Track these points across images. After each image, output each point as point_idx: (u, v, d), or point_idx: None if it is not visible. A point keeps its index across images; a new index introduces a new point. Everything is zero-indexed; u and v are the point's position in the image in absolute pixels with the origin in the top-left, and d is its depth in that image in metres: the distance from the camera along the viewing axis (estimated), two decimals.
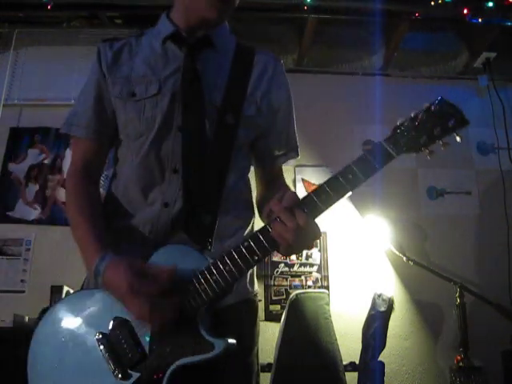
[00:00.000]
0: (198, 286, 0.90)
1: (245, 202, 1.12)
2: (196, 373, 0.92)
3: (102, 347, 0.93)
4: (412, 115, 0.88)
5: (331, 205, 0.85)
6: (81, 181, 1.08)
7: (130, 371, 0.91)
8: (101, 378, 0.91)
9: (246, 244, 0.87)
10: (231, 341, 0.90)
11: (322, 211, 0.85)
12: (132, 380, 0.91)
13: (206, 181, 1.01)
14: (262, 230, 0.87)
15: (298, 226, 0.83)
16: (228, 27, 1.17)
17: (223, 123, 1.03)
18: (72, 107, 1.15)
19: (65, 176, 2.53)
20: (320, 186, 0.86)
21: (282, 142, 1.16)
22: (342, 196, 0.85)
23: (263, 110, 1.10)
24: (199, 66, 1.06)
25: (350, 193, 0.85)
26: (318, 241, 2.65)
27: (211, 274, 0.89)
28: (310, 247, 0.88)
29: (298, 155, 1.18)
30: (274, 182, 1.17)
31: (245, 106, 1.06)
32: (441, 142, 0.87)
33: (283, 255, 1.03)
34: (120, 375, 0.91)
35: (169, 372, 0.90)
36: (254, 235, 0.87)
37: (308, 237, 0.86)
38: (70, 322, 0.98)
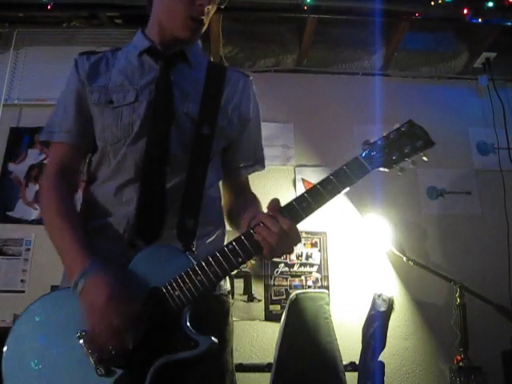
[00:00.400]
0: (182, 286, 0.93)
1: (218, 207, 1.19)
2: (175, 370, 0.94)
3: (83, 345, 0.93)
4: (384, 134, 0.98)
5: (311, 212, 0.93)
6: (58, 182, 1.09)
7: (112, 368, 0.91)
8: (83, 374, 0.91)
9: (230, 247, 0.94)
10: (214, 339, 0.94)
11: (302, 218, 0.93)
12: (115, 377, 0.91)
13: (184, 187, 1.07)
14: (246, 234, 0.93)
15: (281, 231, 0.89)
16: (200, 45, 1.25)
17: (200, 134, 1.09)
18: (49, 117, 1.17)
19: None
20: (301, 195, 0.94)
21: (249, 153, 1.23)
22: (321, 205, 0.93)
23: (234, 121, 1.17)
24: (174, 77, 1.13)
25: (328, 201, 0.93)
26: (318, 241, 2.66)
27: (196, 274, 0.93)
28: (291, 252, 0.94)
29: (263, 167, 1.27)
30: (242, 192, 1.24)
31: (219, 118, 1.13)
32: (410, 161, 0.97)
33: (267, 259, 1.07)
34: (102, 372, 0.91)
35: (153, 368, 0.91)
36: (238, 239, 0.94)
37: (290, 241, 0.92)
38: (50, 320, 0.97)
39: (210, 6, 1.10)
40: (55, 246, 1.02)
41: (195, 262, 0.95)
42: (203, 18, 1.10)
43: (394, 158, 0.96)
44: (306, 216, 0.93)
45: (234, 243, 0.94)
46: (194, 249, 1.03)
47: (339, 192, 0.94)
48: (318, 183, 0.94)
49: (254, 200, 1.20)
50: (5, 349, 0.96)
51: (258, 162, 1.25)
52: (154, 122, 1.08)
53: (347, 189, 0.95)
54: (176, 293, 0.93)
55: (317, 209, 0.93)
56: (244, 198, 1.21)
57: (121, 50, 1.20)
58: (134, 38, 1.21)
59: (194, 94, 1.13)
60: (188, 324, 0.94)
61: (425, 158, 0.98)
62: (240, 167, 1.23)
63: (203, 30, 1.15)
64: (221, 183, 1.23)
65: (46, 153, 2.79)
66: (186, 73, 1.16)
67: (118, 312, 0.90)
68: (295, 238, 0.92)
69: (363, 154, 0.96)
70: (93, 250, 1.00)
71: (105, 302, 0.90)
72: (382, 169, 0.97)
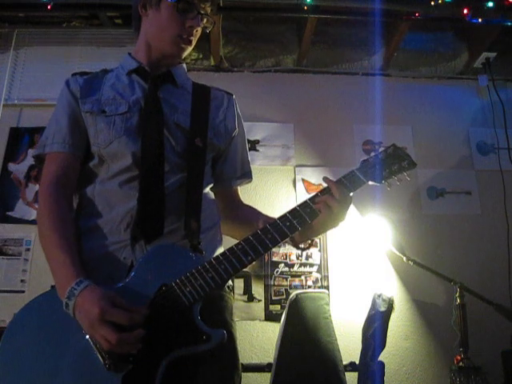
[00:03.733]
0: (194, 282, 0.96)
1: (215, 206, 1.24)
2: (187, 366, 0.95)
3: (91, 339, 0.92)
4: (374, 154, 1.13)
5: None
6: (56, 194, 1.09)
7: (122, 363, 0.91)
8: (91, 370, 0.91)
9: (239, 246, 0.99)
10: (225, 332, 0.96)
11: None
12: (124, 372, 0.90)
13: (186, 190, 1.12)
14: (254, 235, 0.99)
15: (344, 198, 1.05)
16: (185, 68, 1.31)
17: (194, 146, 1.17)
18: (43, 133, 1.18)
19: None
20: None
21: (237, 166, 1.32)
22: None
23: (221, 133, 1.26)
24: (161, 94, 1.19)
25: None
26: (318, 241, 2.65)
27: (207, 271, 0.97)
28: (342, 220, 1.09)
29: (251, 179, 1.36)
30: (235, 202, 1.33)
31: (208, 131, 1.21)
32: (396, 178, 1.12)
33: (300, 245, 1.12)
34: (111, 367, 0.90)
35: (164, 363, 0.91)
36: (246, 239, 1.00)
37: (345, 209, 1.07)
38: (48, 317, 0.97)
39: (198, 28, 1.21)
40: (49, 265, 1.03)
41: (206, 261, 0.99)
42: (192, 38, 1.21)
43: (384, 174, 1.10)
44: (311, 221, 1.06)
45: (242, 243, 1.00)
46: (200, 247, 1.07)
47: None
48: (320, 191, 1.07)
49: (253, 209, 1.31)
50: (2, 348, 0.96)
51: (245, 175, 1.34)
52: (146, 129, 1.13)
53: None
54: (187, 289, 0.96)
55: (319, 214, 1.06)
56: (243, 207, 1.32)
57: (111, 71, 1.27)
58: (121, 61, 1.28)
59: (183, 108, 1.20)
60: (199, 318, 0.96)
61: (408, 178, 1.12)
62: (229, 179, 1.31)
63: (189, 50, 1.25)
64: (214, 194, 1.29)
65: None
66: (172, 91, 1.23)
67: (118, 320, 0.89)
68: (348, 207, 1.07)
69: (358, 168, 1.09)
70: (91, 271, 1.00)
71: (99, 317, 0.89)
72: (371, 182, 1.10)
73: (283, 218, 1.02)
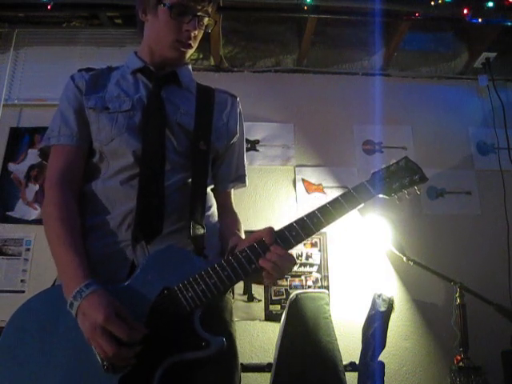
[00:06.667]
0: (196, 287, 0.95)
1: (215, 211, 1.24)
2: (186, 369, 0.94)
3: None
4: (385, 166, 1.10)
5: (321, 227, 1.01)
6: (62, 189, 1.09)
7: (120, 365, 0.91)
8: (89, 370, 0.91)
9: (243, 254, 0.97)
10: (224, 340, 0.95)
11: (313, 232, 1.00)
12: (122, 373, 0.90)
13: (189, 197, 1.11)
14: (259, 243, 0.97)
15: (284, 267, 0.96)
16: (191, 69, 1.31)
17: (198, 149, 1.16)
18: (49, 126, 1.19)
19: None
20: (311, 212, 1.01)
21: (232, 170, 1.31)
22: (332, 220, 1.01)
23: (223, 137, 1.25)
24: (165, 95, 1.19)
25: (336, 219, 1.01)
26: (318, 241, 2.66)
27: (210, 277, 0.96)
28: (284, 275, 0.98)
29: (244, 184, 1.34)
30: (224, 207, 1.29)
31: (211, 135, 1.20)
32: (406, 192, 1.08)
33: (265, 283, 1.10)
34: (109, 368, 0.90)
35: (162, 367, 0.91)
36: (251, 247, 0.98)
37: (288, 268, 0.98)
38: (47, 316, 0.96)
39: (196, 31, 1.19)
40: (55, 260, 1.03)
41: (209, 266, 0.97)
42: (190, 42, 1.20)
43: (394, 187, 1.07)
44: (317, 231, 1.00)
45: (247, 250, 0.98)
46: (205, 252, 1.07)
47: (346, 212, 1.01)
48: (328, 202, 1.02)
49: (235, 222, 1.25)
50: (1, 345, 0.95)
51: (239, 179, 1.32)
52: (147, 128, 1.12)
53: (354, 209, 1.03)
54: (189, 294, 0.95)
55: (326, 225, 1.01)
56: (226, 219, 1.26)
57: (116, 69, 1.27)
58: (127, 59, 1.28)
59: (187, 109, 1.20)
60: (199, 324, 0.95)
61: (418, 192, 1.09)
62: (223, 181, 1.29)
63: (192, 52, 1.24)
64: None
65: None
66: (176, 92, 1.23)
67: (118, 333, 0.89)
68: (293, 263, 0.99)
69: (368, 180, 1.06)
70: (93, 270, 0.99)
71: (102, 324, 0.88)
72: (381, 195, 1.07)
73: (288, 226, 1.01)
